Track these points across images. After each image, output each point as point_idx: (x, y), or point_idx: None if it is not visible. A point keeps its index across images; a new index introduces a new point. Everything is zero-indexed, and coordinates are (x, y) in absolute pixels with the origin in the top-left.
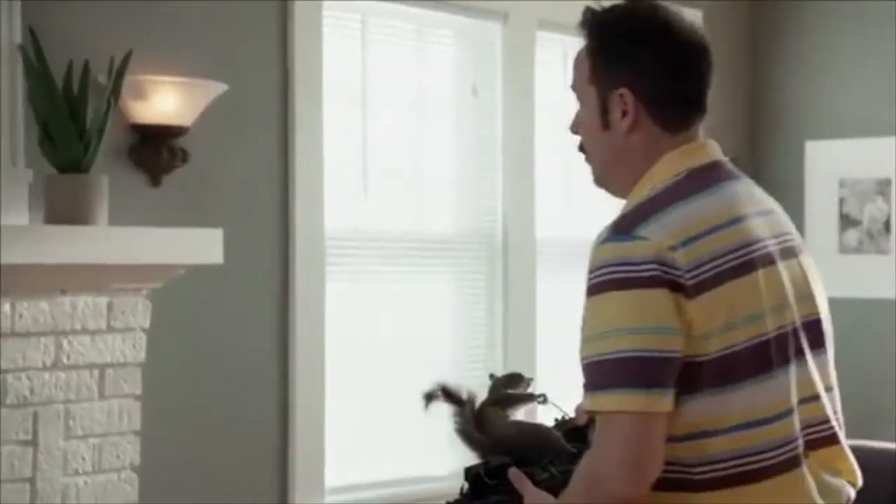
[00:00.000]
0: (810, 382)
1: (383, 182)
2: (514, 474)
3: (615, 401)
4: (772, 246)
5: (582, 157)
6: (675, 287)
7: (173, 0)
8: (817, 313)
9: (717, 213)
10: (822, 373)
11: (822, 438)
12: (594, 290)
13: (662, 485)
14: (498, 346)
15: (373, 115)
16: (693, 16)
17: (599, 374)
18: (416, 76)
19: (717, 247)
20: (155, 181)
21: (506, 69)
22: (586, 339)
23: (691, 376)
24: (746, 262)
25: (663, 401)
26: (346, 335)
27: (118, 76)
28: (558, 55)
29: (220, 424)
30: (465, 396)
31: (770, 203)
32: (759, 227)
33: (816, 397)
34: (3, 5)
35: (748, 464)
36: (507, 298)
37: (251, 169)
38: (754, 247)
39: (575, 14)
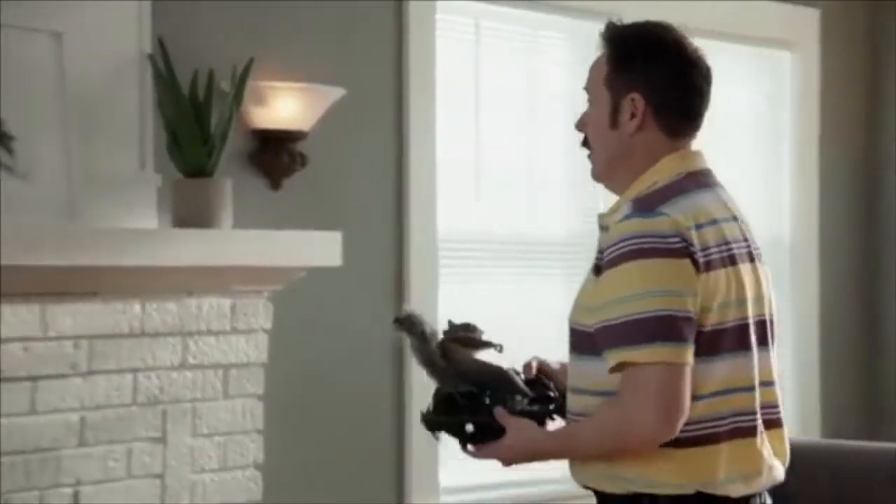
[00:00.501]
0: (769, 369)
1: (496, 184)
2: (499, 412)
3: (651, 353)
4: (752, 248)
5: (585, 152)
6: (693, 261)
7: (293, 9)
8: (774, 315)
9: (716, 208)
10: (774, 365)
11: (772, 420)
12: (623, 258)
13: None
14: None
15: (486, 117)
16: (811, 16)
17: (634, 331)
18: (529, 78)
19: (717, 236)
20: (275, 185)
21: None
22: (611, 303)
23: None
24: (736, 254)
25: (689, 354)
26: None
27: (240, 83)
28: None
29: (338, 424)
30: (427, 330)
31: (742, 213)
32: (742, 230)
33: (772, 383)
34: (135, 17)
35: (719, 426)
36: None
37: (367, 172)
38: (741, 244)
39: (687, 14)
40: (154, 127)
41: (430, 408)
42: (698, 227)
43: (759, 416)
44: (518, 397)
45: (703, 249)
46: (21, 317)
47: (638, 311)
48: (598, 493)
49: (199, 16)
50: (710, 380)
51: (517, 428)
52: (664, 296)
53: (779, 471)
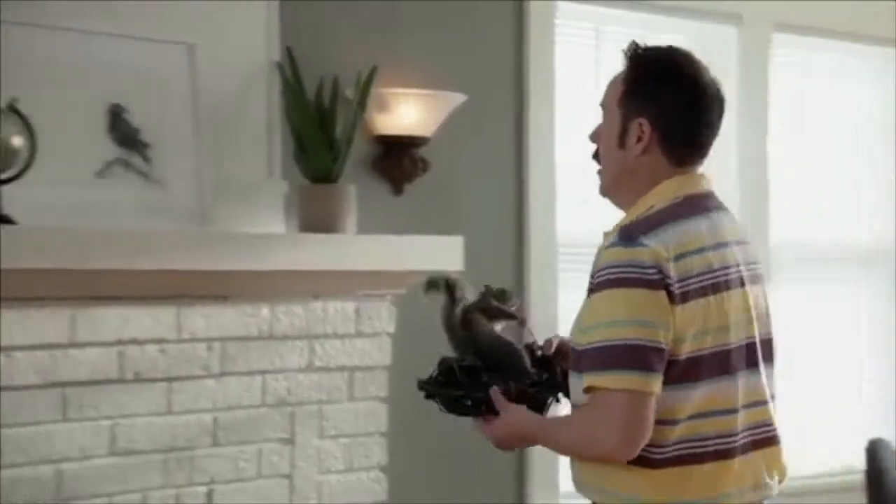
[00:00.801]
0: (759, 390)
1: None
2: (494, 392)
3: (618, 380)
4: (743, 272)
5: (595, 165)
6: (668, 293)
7: (415, 17)
8: (770, 333)
9: (706, 236)
10: (769, 383)
11: (765, 439)
12: (604, 285)
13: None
14: None
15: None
16: None
17: (606, 356)
18: None
19: (702, 265)
20: (397, 190)
21: (741, 72)
22: (593, 327)
23: (664, 371)
24: (722, 281)
25: (656, 383)
26: None
27: (364, 90)
28: (795, 57)
29: (459, 426)
30: (457, 295)
31: (746, 235)
32: (735, 254)
33: (764, 402)
34: (264, 27)
35: (696, 447)
36: None
37: (488, 176)
38: (730, 270)
39: (812, 16)
40: (281, 134)
41: (432, 376)
42: (678, 257)
43: (739, 437)
44: (521, 379)
45: (680, 281)
46: (157, 319)
47: (611, 337)
48: None
49: (325, 25)
50: (686, 404)
51: (510, 411)
52: (637, 326)
53: (768, 489)
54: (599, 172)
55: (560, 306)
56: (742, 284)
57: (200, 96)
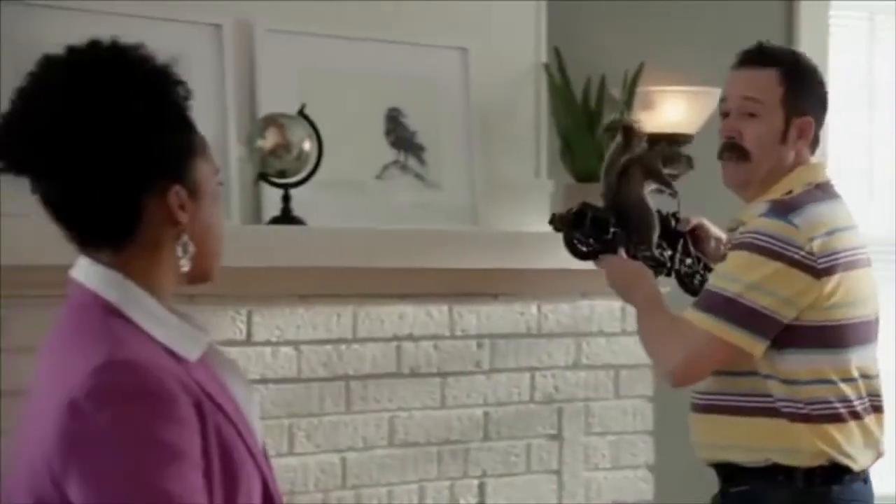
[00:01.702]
0: (874, 363)
1: (890, 184)
2: (620, 255)
3: (703, 320)
4: (866, 253)
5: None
6: (808, 269)
7: (682, 14)
8: (878, 313)
9: (841, 218)
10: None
11: (877, 407)
12: (747, 246)
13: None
14: None
15: (880, 115)
16: None
17: (712, 301)
18: None
19: (841, 243)
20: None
21: None
22: (723, 275)
23: (794, 336)
24: (857, 259)
25: (738, 337)
26: None
27: (630, 89)
28: None
29: None
30: (633, 142)
31: (855, 221)
32: (859, 236)
33: (876, 376)
34: (532, 29)
35: (827, 409)
36: None
37: None
38: (861, 250)
39: None
40: (547, 133)
41: (570, 211)
42: (824, 235)
43: (864, 401)
44: (641, 248)
45: (824, 256)
46: (431, 316)
47: (720, 286)
48: (727, 467)
49: (591, 24)
50: (823, 367)
51: (639, 267)
52: (756, 291)
53: (882, 449)
54: (736, 165)
55: None
56: (869, 264)
57: (472, 99)
